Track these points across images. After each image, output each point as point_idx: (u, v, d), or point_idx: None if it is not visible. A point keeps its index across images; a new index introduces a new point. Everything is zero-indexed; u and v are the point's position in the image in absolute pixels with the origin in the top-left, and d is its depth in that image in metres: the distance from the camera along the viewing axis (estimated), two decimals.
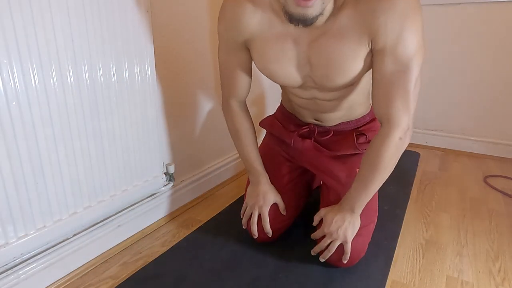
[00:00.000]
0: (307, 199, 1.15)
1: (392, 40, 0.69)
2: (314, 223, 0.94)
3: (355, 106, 0.95)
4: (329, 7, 0.71)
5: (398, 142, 0.77)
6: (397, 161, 0.80)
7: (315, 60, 0.78)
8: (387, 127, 0.77)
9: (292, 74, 0.82)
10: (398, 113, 0.74)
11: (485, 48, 1.73)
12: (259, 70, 0.86)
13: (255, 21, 0.79)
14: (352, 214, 0.87)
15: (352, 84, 0.86)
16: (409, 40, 0.68)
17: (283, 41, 0.78)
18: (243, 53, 0.87)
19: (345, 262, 0.87)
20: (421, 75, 0.73)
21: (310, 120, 1.01)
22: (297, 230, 1.06)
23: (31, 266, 0.80)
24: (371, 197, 0.85)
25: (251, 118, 1.01)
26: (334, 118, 0.97)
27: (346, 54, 0.74)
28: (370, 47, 0.73)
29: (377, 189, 0.84)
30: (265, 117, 1.13)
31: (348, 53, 0.74)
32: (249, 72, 0.92)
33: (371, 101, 0.93)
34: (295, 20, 0.68)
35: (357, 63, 0.76)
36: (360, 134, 0.98)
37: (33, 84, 0.71)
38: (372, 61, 0.76)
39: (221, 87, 0.96)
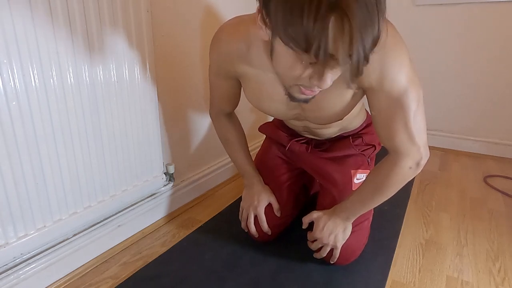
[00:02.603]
0: (305, 199, 1.15)
1: (375, 79, 0.66)
2: (304, 226, 0.94)
3: (351, 122, 0.96)
4: None
5: (408, 171, 0.75)
6: (402, 186, 0.78)
7: (306, 106, 0.78)
8: (395, 156, 0.75)
9: (284, 112, 0.83)
10: (404, 145, 0.72)
11: (485, 48, 1.73)
12: (248, 101, 0.86)
13: (249, 61, 0.76)
14: (345, 222, 0.87)
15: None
16: (394, 76, 0.65)
17: (275, 86, 0.75)
18: (233, 81, 0.86)
19: (332, 262, 0.90)
20: (423, 107, 0.70)
21: (306, 135, 1.02)
22: (297, 230, 1.06)
23: (31, 266, 0.80)
24: (368, 210, 0.86)
25: (239, 124, 1.02)
26: (330, 134, 0.99)
27: (335, 100, 0.74)
28: (358, 85, 0.71)
29: (376, 206, 0.84)
30: (264, 122, 1.14)
31: (338, 98, 0.74)
32: (238, 93, 0.92)
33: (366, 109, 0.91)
34: (296, 101, 0.68)
35: (349, 103, 0.76)
36: (357, 137, 0.99)
37: (33, 84, 0.71)
38: (366, 97, 0.74)
39: (210, 99, 0.96)
